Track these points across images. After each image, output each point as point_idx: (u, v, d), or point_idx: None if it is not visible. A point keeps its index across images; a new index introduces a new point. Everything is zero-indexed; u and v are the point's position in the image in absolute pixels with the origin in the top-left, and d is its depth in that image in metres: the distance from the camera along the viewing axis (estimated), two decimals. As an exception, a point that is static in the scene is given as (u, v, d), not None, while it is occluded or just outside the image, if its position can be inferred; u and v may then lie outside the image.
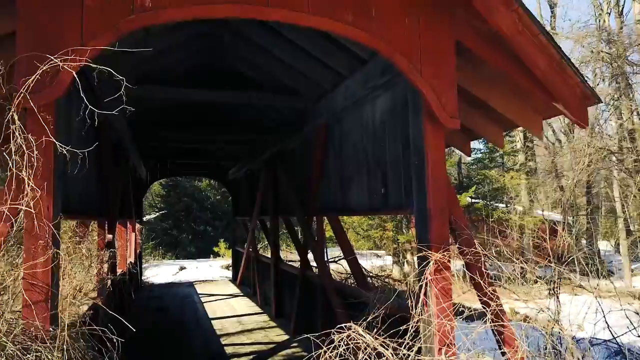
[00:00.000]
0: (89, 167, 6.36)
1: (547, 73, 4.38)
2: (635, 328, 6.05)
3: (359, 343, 3.80)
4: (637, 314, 6.28)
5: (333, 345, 3.75)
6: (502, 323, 4.28)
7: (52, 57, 3.20)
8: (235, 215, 17.94)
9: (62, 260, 6.52)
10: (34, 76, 3.15)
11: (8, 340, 3.02)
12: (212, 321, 10.48)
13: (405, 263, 22.64)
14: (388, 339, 4.03)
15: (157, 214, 31.97)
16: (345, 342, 3.76)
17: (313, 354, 3.72)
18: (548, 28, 21.07)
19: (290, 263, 15.18)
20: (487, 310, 4.19)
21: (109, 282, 7.27)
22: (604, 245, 29.09)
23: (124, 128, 7.73)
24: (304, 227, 8.27)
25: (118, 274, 9.25)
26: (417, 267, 4.46)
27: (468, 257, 4.32)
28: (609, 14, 22.45)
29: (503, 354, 4.44)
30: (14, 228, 3.29)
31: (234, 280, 17.22)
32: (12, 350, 2.98)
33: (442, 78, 4.28)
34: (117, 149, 9.11)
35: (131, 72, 6.50)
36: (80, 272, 6.28)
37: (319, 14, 3.90)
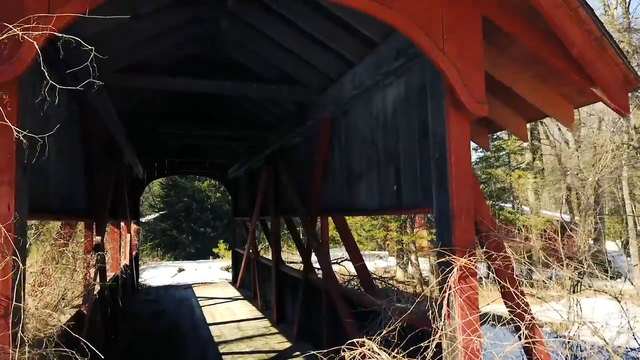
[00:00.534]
0: (74, 162, 5.86)
1: (585, 52, 3.84)
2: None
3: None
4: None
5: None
6: (536, 339, 3.75)
7: (9, 26, 2.67)
8: (235, 216, 17.41)
9: (46, 266, 6.03)
10: (-14, 48, 2.63)
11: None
12: (210, 327, 9.95)
13: (409, 264, 22.10)
14: (407, 357, 3.51)
15: (157, 214, 31.45)
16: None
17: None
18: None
19: (291, 264, 14.72)
20: (519, 323, 3.65)
21: (97, 287, 6.76)
22: (609, 246, 28.51)
23: (114, 119, 7.20)
24: (307, 228, 7.74)
25: (109, 278, 8.74)
26: (438, 273, 3.93)
27: (497, 262, 3.79)
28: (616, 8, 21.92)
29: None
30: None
31: (233, 282, 16.69)
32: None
33: (467, 57, 3.76)
34: (110, 145, 8.60)
35: (123, 59, 6.00)
36: (64, 278, 5.77)
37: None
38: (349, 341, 3.56)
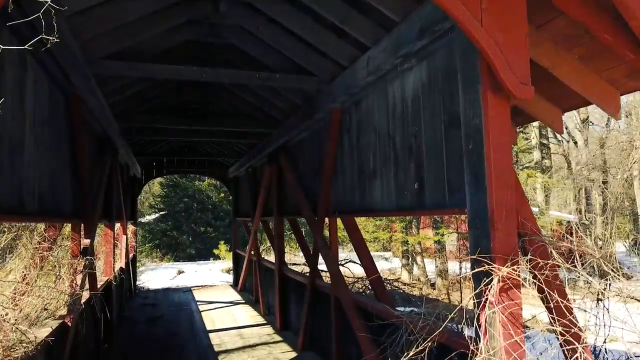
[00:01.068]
0: (58, 158, 5.30)
1: (648, 26, 3.28)
2: None
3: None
4: None
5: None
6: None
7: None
8: (235, 216, 16.84)
9: (29, 272, 5.46)
10: None
11: None
12: (210, 334, 9.39)
13: (415, 266, 21.53)
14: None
15: (157, 214, 30.91)
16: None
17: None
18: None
19: (293, 266, 14.14)
20: (576, 346, 3.08)
21: (87, 295, 6.21)
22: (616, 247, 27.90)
23: (105, 112, 6.64)
24: (314, 230, 7.16)
25: (102, 283, 8.19)
26: (471, 284, 3.37)
27: (544, 272, 3.23)
28: None
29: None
30: None
31: (234, 285, 16.13)
32: None
33: (509, 30, 3.19)
34: (102, 140, 8.05)
35: (113, 43, 5.45)
36: (47, 286, 5.21)
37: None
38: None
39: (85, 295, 6.25)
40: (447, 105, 3.98)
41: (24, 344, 3.82)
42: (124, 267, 11.60)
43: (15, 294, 4.97)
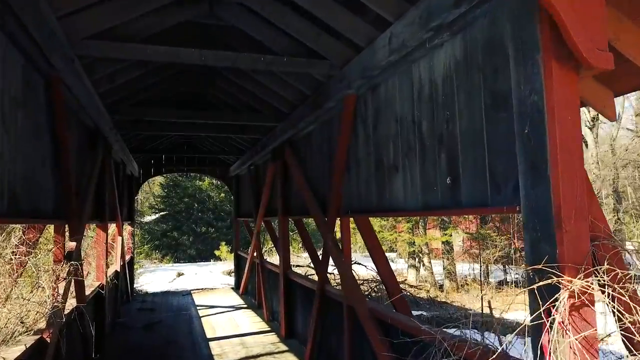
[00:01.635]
0: (36, 153, 4.67)
1: None
2: None
3: None
4: None
5: None
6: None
7: None
8: (237, 216, 16.21)
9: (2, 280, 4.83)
10: None
11: None
12: (210, 343, 8.76)
13: (422, 267, 20.90)
14: None
15: (157, 215, 30.31)
16: None
17: None
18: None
19: (297, 268, 13.49)
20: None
21: (73, 303, 5.58)
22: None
23: (93, 101, 6.01)
24: (324, 232, 6.52)
25: (94, 288, 7.57)
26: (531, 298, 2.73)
27: (625, 285, 2.59)
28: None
29: None
30: None
31: (236, 288, 15.50)
32: None
33: (582, -17, 2.56)
34: (93, 134, 7.42)
35: (100, 20, 4.82)
36: (22, 297, 4.59)
37: None
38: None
39: (72, 304, 5.63)
40: (490, 84, 3.34)
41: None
42: (119, 270, 10.98)
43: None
